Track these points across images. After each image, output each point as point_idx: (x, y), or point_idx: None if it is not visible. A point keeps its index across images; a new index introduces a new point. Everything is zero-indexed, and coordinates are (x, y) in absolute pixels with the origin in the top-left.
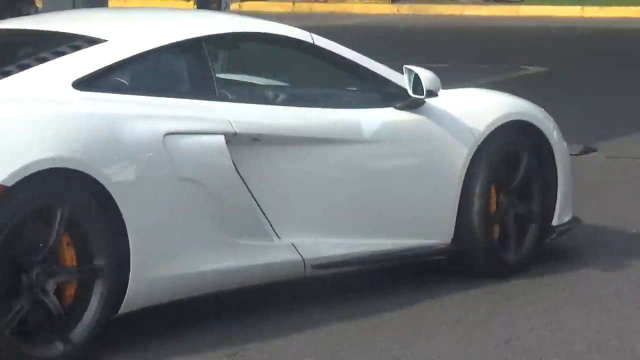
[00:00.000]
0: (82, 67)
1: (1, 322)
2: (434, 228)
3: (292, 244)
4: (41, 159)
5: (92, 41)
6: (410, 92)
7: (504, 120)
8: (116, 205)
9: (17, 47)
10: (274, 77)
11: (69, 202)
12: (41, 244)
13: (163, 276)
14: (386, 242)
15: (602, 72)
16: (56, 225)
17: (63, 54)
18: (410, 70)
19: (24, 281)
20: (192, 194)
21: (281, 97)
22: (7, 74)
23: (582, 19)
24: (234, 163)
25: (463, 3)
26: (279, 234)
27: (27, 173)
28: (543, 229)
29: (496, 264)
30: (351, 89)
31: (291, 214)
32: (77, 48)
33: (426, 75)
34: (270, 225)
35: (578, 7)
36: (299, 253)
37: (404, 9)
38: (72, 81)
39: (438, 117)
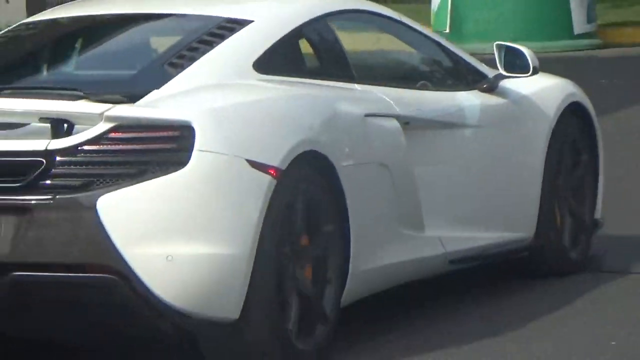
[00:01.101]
0: (251, 48)
1: (285, 322)
2: (523, 220)
3: (438, 237)
4: (301, 141)
5: (238, 22)
6: (501, 70)
7: (566, 103)
8: (342, 189)
9: (155, 31)
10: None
11: (312, 186)
12: (297, 228)
13: (374, 267)
14: (494, 235)
15: None
16: (306, 209)
17: (221, 37)
18: (500, 46)
19: (289, 270)
20: (384, 178)
21: (401, 79)
22: (181, 59)
23: None
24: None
25: None
26: (426, 226)
27: (293, 156)
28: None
29: (564, 262)
30: (438, 70)
31: (435, 204)
32: (230, 30)
33: (529, 52)
34: (422, 216)
35: None
36: (443, 246)
37: None
38: (251, 63)
39: (517, 100)
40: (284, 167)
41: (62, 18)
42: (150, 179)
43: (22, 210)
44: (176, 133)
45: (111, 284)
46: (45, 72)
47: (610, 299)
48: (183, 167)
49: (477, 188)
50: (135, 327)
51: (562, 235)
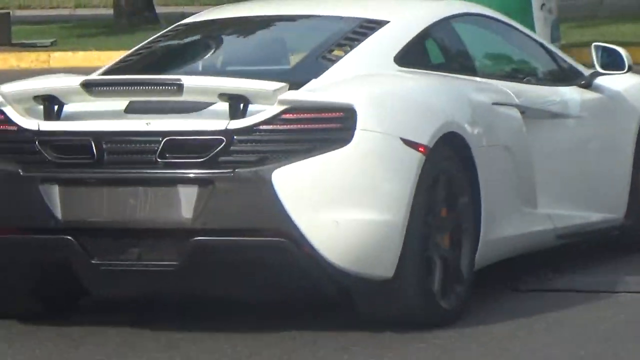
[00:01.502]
0: (391, 45)
1: (431, 283)
2: (615, 200)
3: (549, 214)
4: (444, 124)
5: (376, 22)
6: (598, 68)
7: None
8: (475, 167)
9: (303, 30)
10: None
11: (452, 163)
12: (439, 200)
13: (499, 237)
14: (589, 214)
15: None
16: (447, 183)
17: (364, 34)
18: (598, 47)
19: (433, 236)
20: (508, 159)
21: (512, 74)
22: (332, 53)
23: None
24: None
25: None
26: (539, 203)
27: (438, 136)
28: None
29: None
30: (542, 68)
31: (546, 185)
32: (370, 29)
33: (624, 52)
34: (536, 194)
35: None
36: (553, 223)
37: None
38: (392, 57)
39: (611, 95)
40: (431, 145)
41: (219, 19)
42: (318, 154)
43: (205, 182)
44: (341, 114)
45: (284, 246)
46: (210, 68)
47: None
48: (347, 144)
49: (579, 171)
50: (302, 285)
51: None
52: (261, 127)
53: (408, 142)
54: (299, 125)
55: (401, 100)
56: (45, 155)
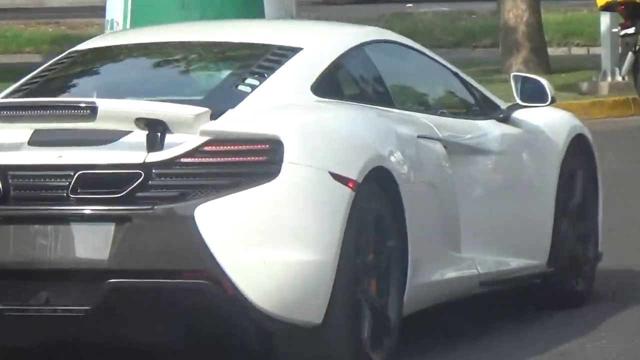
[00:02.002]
0: (307, 73)
1: (361, 332)
2: (537, 246)
3: (472, 258)
4: (372, 158)
5: (290, 49)
6: (518, 100)
7: (573, 135)
8: (402, 205)
9: (212, 58)
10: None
11: (379, 200)
12: (367, 241)
13: (425, 282)
14: (510, 260)
15: None
16: (373, 223)
17: (278, 62)
18: (517, 77)
19: (362, 281)
20: (432, 197)
21: (428, 106)
22: (246, 83)
23: None
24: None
25: None
26: (463, 246)
27: (367, 171)
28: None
29: (570, 292)
30: (458, 99)
31: (469, 225)
32: (284, 56)
33: (546, 82)
34: (460, 236)
35: None
36: (477, 268)
37: None
38: (309, 86)
39: (530, 131)
40: (360, 181)
41: (121, 45)
42: (244, 189)
43: (122, 219)
44: (266, 147)
45: (206, 288)
46: (117, 96)
47: None
48: (274, 178)
49: (501, 213)
50: (222, 329)
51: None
52: (182, 159)
53: (337, 177)
54: (222, 158)
55: (328, 132)
56: None
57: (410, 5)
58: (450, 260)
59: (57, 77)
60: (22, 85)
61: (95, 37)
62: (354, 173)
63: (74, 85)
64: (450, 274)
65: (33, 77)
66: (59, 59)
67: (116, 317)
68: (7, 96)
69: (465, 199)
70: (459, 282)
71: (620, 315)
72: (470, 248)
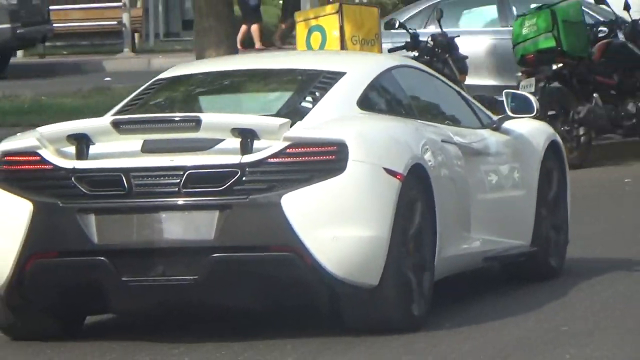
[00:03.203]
0: (352, 92)
1: (408, 292)
2: (524, 229)
3: (478, 238)
4: (412, 157)
5: (336, 73)
6: (509, 112)
7: (549, 141)
8: (432, 193)
9: (274, 81)
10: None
11: (416, 189)
12: (410, 220)
13: (447, 256)
14: (505, 240)
15: None
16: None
17: (329, 84)
18: (508, 93)
19: (407, 253)
20: (452, 189)
21: (440, 118)
22: (307, 101)
23: None
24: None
25: None
26: (472, 228)
27: (409, 167)
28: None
29: (547, 268)
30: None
31: (475, 211)
32: (332, 79)
33: (533, 97)
34: (470, 220)
35: None
36: (481, 246)
37: None
38: (355, 102)
39: (516, 137)
40: (405, 174)
41: (202, 73)
42: (319, 182)
43: (223, 207)
44: (335, 148)
45: (291, 259)
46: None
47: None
48: (341, 173)
49: (498, 202)
50: (302, 293)
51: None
52: (269, 160)
53: (389, 171)
54: (301, 158)
55: (379, 137)
56: (81, 188)
57: None
58: (463, 239)
59: (153, 99)
60: (124, 106)
61: (173, 67)
62: (401, 168)
63: (171, 104)
64: (464, 250)
65: (131, 101)
66: (149, 86)
67: (218, 285)
68: (119, 111)
69: (472, 189)
70: (470, 257)
71: (586, 282)
72: (477, 229)
